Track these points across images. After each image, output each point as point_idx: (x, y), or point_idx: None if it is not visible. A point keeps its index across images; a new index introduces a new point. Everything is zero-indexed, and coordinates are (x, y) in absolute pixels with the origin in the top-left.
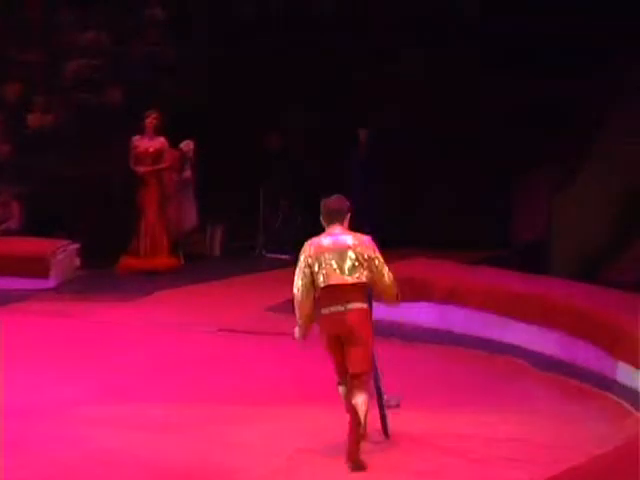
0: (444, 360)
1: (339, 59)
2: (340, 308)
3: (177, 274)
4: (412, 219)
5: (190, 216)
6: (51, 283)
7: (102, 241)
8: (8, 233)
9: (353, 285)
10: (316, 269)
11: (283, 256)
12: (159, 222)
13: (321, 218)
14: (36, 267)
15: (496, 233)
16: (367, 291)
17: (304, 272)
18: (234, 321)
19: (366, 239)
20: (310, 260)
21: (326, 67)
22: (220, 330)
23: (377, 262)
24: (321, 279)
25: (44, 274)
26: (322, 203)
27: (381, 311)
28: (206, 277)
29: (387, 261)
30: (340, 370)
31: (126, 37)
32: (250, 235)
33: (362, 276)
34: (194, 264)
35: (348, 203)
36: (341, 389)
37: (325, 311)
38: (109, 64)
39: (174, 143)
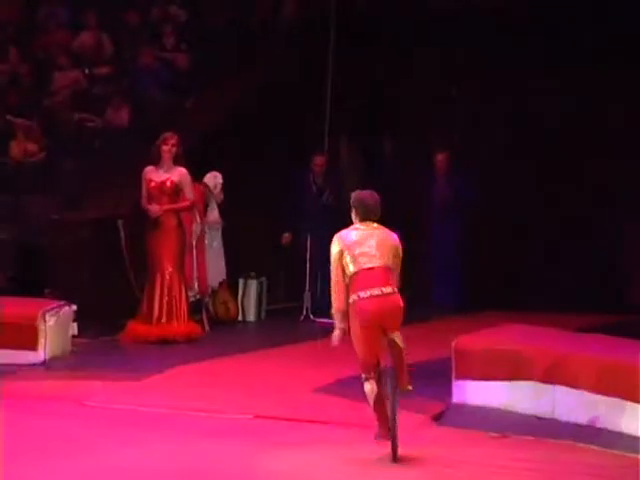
0: (548, 459)
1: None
2: (377, 291)
3: (199, 344)
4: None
5: (217, 269)
6: (40, 356)
7: (104, 302)
8: None
9: (386, 269)
10: (348, 260)
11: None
12: (177, 278)
13: (353, 213)
14: (21, 336)
15: (610, 292)
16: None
17: (337, 265)
18: (273, 406)
19: (394, 234)
20: (342, 251)
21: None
22: (257, 417)
23: (399, 252)
24: (351, 267)
25: (31, 345)
26: (356, 197)
27: (463, 394)
28: (237, 348)
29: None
30: (370, 362)
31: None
32: (294, 294)
33: (390, 262)
34: (221, 332)
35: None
36: (368, 386)
37: (363, 294)
38: (113, 75)
39: (197, 176)
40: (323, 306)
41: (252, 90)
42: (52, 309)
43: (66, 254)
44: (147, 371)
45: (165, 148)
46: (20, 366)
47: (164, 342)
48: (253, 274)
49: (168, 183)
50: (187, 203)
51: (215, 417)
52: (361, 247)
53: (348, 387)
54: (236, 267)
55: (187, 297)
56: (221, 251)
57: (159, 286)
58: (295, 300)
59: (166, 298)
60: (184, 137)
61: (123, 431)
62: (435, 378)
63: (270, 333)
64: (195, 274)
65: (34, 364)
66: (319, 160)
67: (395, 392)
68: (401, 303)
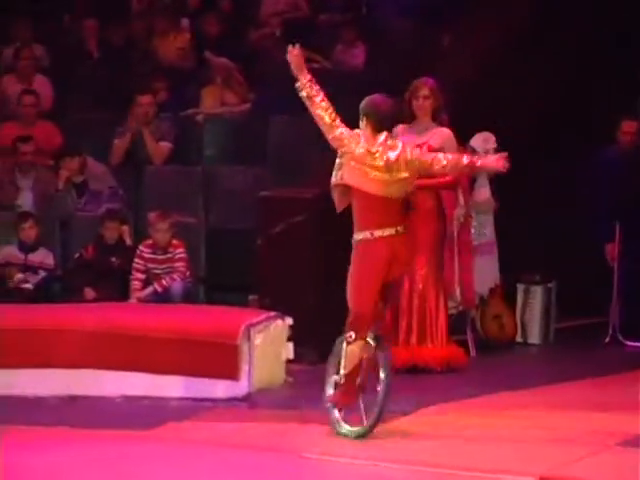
0: None
1: None
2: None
3: (462, 375)
4: None
5: (487, 271)
6: (242, 388)
7: (330, 314)
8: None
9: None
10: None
11: None
12: (432, 282)
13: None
14: (217, 360)
15: None
16: None
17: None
18: (564, 464)
19: None
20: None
21: None
22: (540, 479)
23: None
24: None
25: (231, 372)
26: (370, 102)
27: None
28: (515, 381)
29: None
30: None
31: None
32: (594, 305)
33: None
34: (493, 357)
35: None
36: (357, 346)
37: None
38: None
39: (460, 138)
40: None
41: (531, 19)
42: (259, 323)
43: (277, 247)
44: (388, 410)
45: (417, 103)
46: (216, 401)
47: (413, 370)
48: (538, 278)
49: (425, 148)
50: (450, 178)
51: (484, 478)
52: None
53: None
54: (514, 267)
55: (446, 310)
56: (493, 245)
57: (407, 296)
58: (596, 314)
59: (417, 312)
60: (443, 84)
61: None
62: None
63: (561, 361)
64: (457, 277)
65: (234, 398)
66: (629, 126)
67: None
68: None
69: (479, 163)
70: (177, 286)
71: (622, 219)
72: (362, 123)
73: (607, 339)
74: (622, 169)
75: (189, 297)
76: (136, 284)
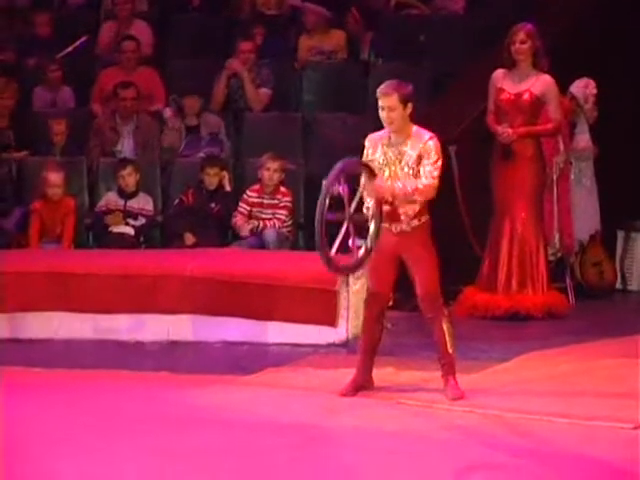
0: None
1: None
2: None
3: (562, 322)
4: None
5: (587, 217)
6: (341, 334)
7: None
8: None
9: None
10: None
11: None
12: (532, 228)
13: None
14: (315, 306)
15: None
16: None
17: None
18: None
19: None
20: None
21: None
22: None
23: None
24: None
25: (329, 319)
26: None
27: None
28: (614, 329)
29: None
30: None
31: None
32: None
33: None
34: (593, 305)
35: None
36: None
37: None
38: None
39: (561, 84)
40: None
41: None
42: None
43: None
44: (488, 357)
45: (514, 47)
46: (315, 347)
47: (514, 317)
48: (639, 224)
49: (526, 96)
50: (551, 126)
51: (581, 425)
52: None
53: None
54: (614, 213)
55: (546, 256)
56: (594, 191)
57: (507, 240)
58: None
59: (517, 256)
60: (543, 30)
61: (443, 443)
62: None
63: None
64: (556, 224)
65: (333, 344)
66: None
67: None
68: None
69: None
70: (270, 233)
71: None
72: (407, 109)
73: None
74: None
75: (284, 244)
76: (240, 223)
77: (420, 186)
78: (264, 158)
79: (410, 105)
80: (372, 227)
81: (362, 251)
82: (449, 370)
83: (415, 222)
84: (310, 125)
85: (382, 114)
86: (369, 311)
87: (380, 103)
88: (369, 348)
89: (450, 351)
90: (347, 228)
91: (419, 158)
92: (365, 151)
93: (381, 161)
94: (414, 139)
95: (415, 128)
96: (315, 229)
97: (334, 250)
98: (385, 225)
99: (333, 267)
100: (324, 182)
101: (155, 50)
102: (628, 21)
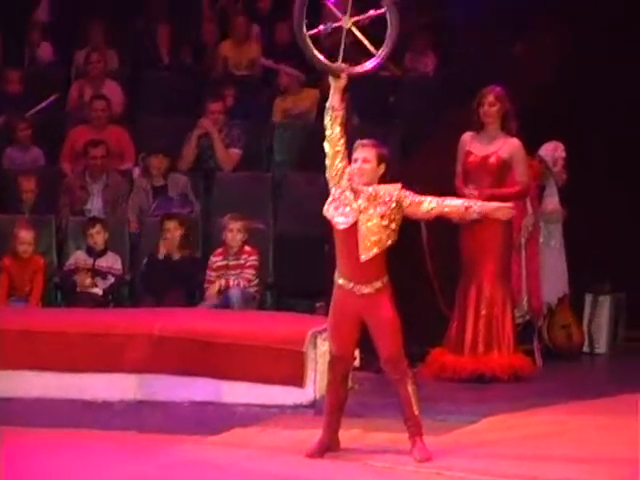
0: None
1: None
2: None
3: (529, 385)
4: None
5: (556, 280)
6: (308, 395)
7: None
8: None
9: None
10: None
11: None
12: (500, 291)
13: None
14: (283, 367)
15: None
16: None
17: None
18: (631, 474)
19: None
20: None
21: None
22: None
23: None
24: None
25: (296, 379)
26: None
27: None
28: (581, 392)
29: None
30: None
31: None
32: None
33: None
34: (560, 367)
35: None
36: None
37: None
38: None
39: (529, 147)
40: None
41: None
42: (326, 330)
43: None
44: (455, 419)
45: (483, 110)
46: (282, 408)
47: (480, 379)
48: (607, 287)
49: (493, 159)
50: (518, 188)
51: None
52: None
53: None
54: (582, 276)
55: (513, 318)
56: (562, 254)
57: (475, 302)
58: None
59: (484, 319)
60: (512, 93)
61: None
62: None
63: (629, 371)
64: (524, 286)
65: (300, 405)
66: None
67: None
68: None
69: None
70: (235, 293)
71: None
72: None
73: None
74: None
75: (250, 304)
76: (210, 292)
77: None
78: (226, 219)
79: (383, 166)
80: (390, 21)
81: (382, 52)
82: (416, 431)
83: (378, 284)
84: (280, 185)
85: (354, 165)
86: (333, 373)
87: (355, 154)
88: (335, 409)
89: (416, 412)
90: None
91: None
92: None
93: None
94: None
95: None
96: (298, 40)
97: (340, 61)
98: (348, 286)
99: (342, 72)
100: None
101: (125, 109)
102: (598, 84)
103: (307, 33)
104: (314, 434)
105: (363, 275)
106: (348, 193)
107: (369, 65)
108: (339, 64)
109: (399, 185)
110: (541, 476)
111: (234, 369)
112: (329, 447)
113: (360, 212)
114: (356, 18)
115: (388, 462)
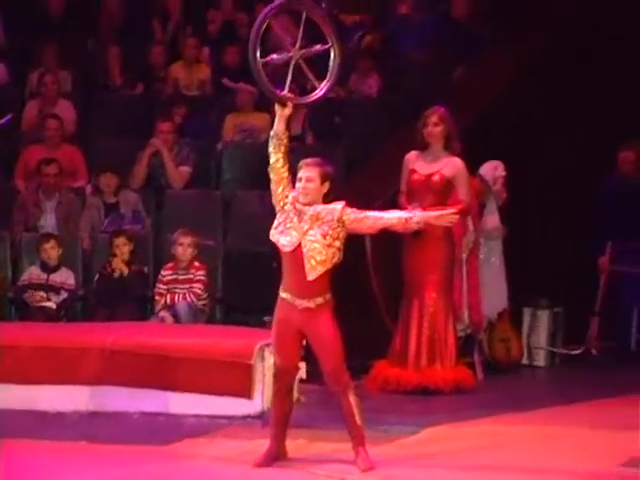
0: None
1: None
2: None
3: (470, 397)
4: None
5: (495, 295)
6: (256, 406)
7: (344, 336)
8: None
9: None
10: None
11: None
12: (442, 306)
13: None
14: (231, 379)
15: None
16: None
17: None
18: None
19: None
20: None
21: None
22: None
23: None
24: None
25: (244, 391)
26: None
27: None
28: (520, 404)
29: None
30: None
31: None
32: (604, 330)
33: None
34: (500, 380)
35: None
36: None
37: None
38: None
39: (470, 166)
40: None
41: (550, 49)
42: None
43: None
44: (398, 430)
45: (427, 130)
46: (231, 419)
47: (423, 392)
48: (544, 302)
49: (436, 177)
50: (461, 206)
51: None
52: None
53: None
54: (521, 291)
55: (455, 332)
56: (502, 270)
57: (418, 317)
58: (607, 338)
59: (427, 333)
60: (455, 113)
61: None
62: None
63: (566, 383)
64: (465, 301)
65: (248, 416)
66: (626, 156)
67: None
68: None
69: None
70: (182, 306)
71: (613, 239)
72: (324, 187)
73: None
74: (620, 195)
75: (197, 317)
76: (160, 305)
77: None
78: (177, 234)
79: (327, 184)
80: (333, 55)
81: (325, 84)
82: (359, 441)
83: (320, 300)
84: (229, 202)
85: (299, 185)
86: (278, 385)
87: (300, 174)
88: (281, 421)
89: (359, 423)
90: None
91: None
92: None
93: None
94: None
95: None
96: (252, 69)
97: (286, 91)
98: (290, 300)
99: (287, 101)
100: (263, 11)
101: (78, 128)
102: (535, 107)
103: (260, 61)
104: (262, 444)
105: (307, 291)
106: (292, 215)
107: (314, 96)
108: (285, 93)
109: (343, 203)
110: None
111: (184, 381)
112: (277, 457)
113: (304, 234)
114: (304, 51)
115: (333, 471)
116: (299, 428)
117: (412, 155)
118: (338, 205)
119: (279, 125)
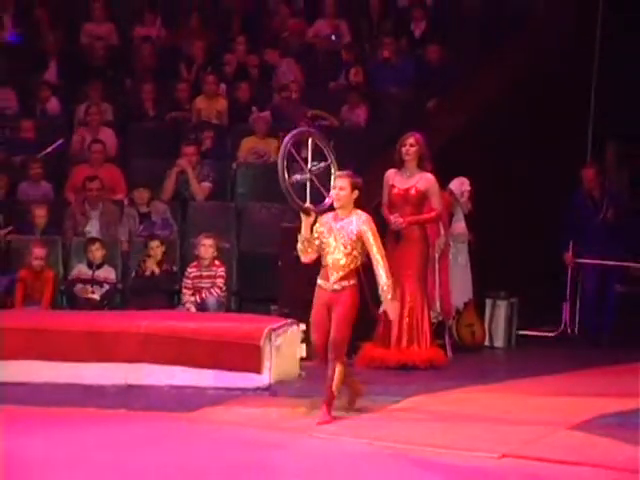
0: None
1: None
2: None
3: (442, 372)
4: None
5: (462, 288)
6: (264, 380)
7: None
8: (205, 308)
9: None
10: None
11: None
12: (419, 296)
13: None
14: (244, 357)
15: None
16: None
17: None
18: (522, 444)
19: None
20: None
21: None
22: (503, 456)
23: None
24: None
25: (255, 367)
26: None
27: None
28: (483, 378)
29: None
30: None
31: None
32: (549, 318)
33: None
34: (466, 358)
35: None
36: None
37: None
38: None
39: (441, 181)
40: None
41: (505, 88)
42: (279, 328)
43: (294, 268)
44: (383, 400)
45: (404, 150)
46: (243, 390)
47: (403, 368)
48: (503, 294)
49: (413, 191)
50: (434, 214)
51: (456, 455)
52: None
53: (612, 425)
54: (483, 286)
55: (430, 319)
56: (467, 268)
57: (399, 305)
58: (551, 325)
59: (407, 319)
60: (429, 139)
61: (352, 468)
62: None
63: (521, 360)
64: (437, 293)
65: (258, 388)
66: (588, 173)
67: None
68: None
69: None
70: (212, 300)
71: (575, 238)
72: (354, 194)
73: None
74: (583, 207)
75: (222, 308)
76: (186, 297)
77: (385, 287)
78: (200, 237)
79: (356, 192)
80: (333, 170)
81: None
82: (326, 401)
83: (345, 283)
84: (242, 212)
85: (333, 192)
86: (320, 358)
87: (334, 184)
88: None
89: (333, 389)
90: (311, 181)
91: (358, 236)
92: (316, 226)
93: (326, 232)
94: (355, 217)
95: (358, 211)
96: (283, 189)
97: (307, 203)
98: (324, 285)
99: (311, 211)
100: (284, 141)
101: (118, 151)
102: (497, 133)
103: (288, 182)
104: (268, 411)
105: (336, 280)
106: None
107: (325, 205)
108: (308, 205)
109: (366, 217)
110: (445, 444)
111: (205, 359)
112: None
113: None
114: (314, 169)
115: (330, 434)
116: (300, 398)
117: (391, 172)
118: (364, 226)
119: (307, 230)
